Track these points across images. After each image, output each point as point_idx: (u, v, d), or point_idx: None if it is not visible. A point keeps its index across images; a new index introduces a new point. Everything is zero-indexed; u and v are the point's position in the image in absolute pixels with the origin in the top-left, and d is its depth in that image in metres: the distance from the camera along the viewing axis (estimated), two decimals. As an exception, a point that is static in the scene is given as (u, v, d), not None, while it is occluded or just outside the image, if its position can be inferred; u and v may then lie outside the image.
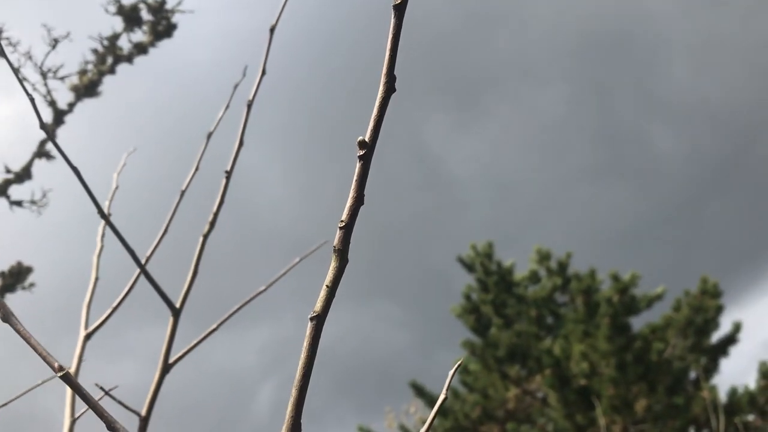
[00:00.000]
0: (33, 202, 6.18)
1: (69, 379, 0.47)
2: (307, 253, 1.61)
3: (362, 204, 0.51)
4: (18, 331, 0.48)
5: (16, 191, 6.07)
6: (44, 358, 0.48)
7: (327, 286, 0.50)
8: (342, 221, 0.50)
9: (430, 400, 13.19)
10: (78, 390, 0.47)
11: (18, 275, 7.08)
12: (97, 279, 1.70)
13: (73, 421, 1.42)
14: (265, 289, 1.42)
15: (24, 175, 5.94)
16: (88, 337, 1.53)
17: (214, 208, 1.32)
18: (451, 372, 0.69)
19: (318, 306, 0.50)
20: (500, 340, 12.96)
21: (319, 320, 0.50)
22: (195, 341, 1.31)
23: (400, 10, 0.50)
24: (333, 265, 0.50)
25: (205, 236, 1.33)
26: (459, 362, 0.69)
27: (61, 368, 0.47)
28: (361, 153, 0.51)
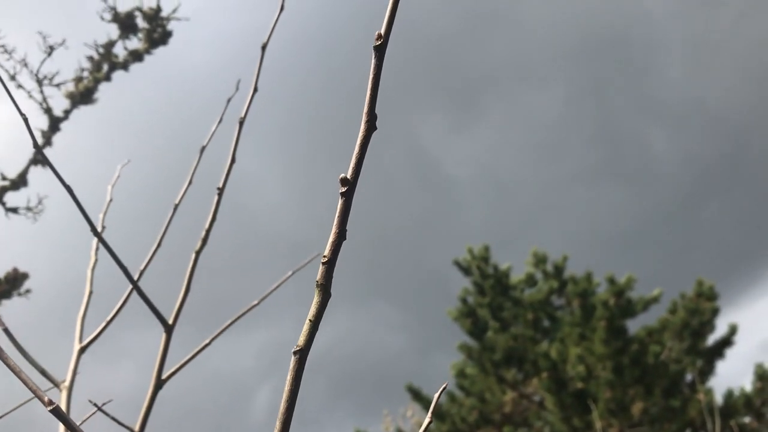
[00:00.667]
0: (29, 209, 6.19)
1: (59, 413, 0.48)
2: (300, 266, 1.62)
3: (344, 239, 0.52)
4: (9, 366, 0.50)
5: (11, 198, 6.08)
6: (35, 392, 0.50)
7: (310, 320, 0.51)
8: (324, 256, 0.52)
9: (427, 404, 13.21)
10: (67, 423, 0.48)
11: (14, 281, 7.08)
12: (91, 293, 1.71)
13: (68, 436, 1.43)
14: (258, 303, 1.43)
15: (20, 182, 5.95)
16: (82, 350, 1.54)
17: (207, 225, 1.33)
18: (436, 395, 0.70)
19: (301, 340, 0.51)
20: (497, 343, 12.98)
21: (302, 354, 0.51)
22: (187, 357, 1.32)
23: (380, 51, 0.51)
24: (316, 299, 0.52)
25: (198, 253, 1.34)
26: (444, 386, 0.70)
27: (51, 402, 0.48)
28: (343, 190, 0.53)
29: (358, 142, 0.52)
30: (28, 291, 7.17)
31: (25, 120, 1.19)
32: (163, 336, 1.30)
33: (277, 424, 0.50)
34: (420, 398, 13.28)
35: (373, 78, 0.52)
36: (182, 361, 1.31)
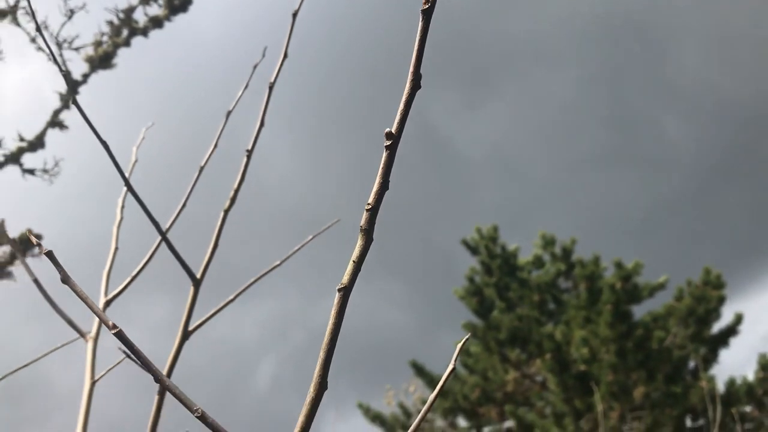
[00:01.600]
0: (45, 171, 6.26)
1: (122, 336, 0.53)
2: (321, 230, 1.66)
3: (387, 189, 0.57)
4: (76, 292, 0.54)
5: (29, 159, 6.14)
6: (100, 317, 0.54)
7: (354, 261, 0.56)
8: (369, 204, 0.56)
9: (430, 380, 13.33)
10: (130, 346, 0.53)
11: (27, 243, 7.17)
12: (116, 249, 1.76)
13: (93, 384, 1.49)
14: (279, 264, 1.48)
15: (37, 143, 6.01)
16: (107, 304, 1.60)
17: (235, 185, 1.38)
18: (459, 345, 0.74)
19: (345, 279, 0.56)
20: (502, 323, 13.06)
21: (345, 291, 0.56)
22: (213, 311, 1.37)
23: (427, 15, 0.55)
24: (359, 243, 0.56)
25: (226, 211, 1.39)
26: (466, 338, 0.74)
27: (114, 326, 0.53)
28: (388, 143, 0.57)
29: (403, 99, 0.57)
30: (41, 253, 7.23)
31: (65, 75, 1.23)
32: (191, 289, 1.35)
33: (321, 354, 0.55)
34: (423, 374, 13.41)
35: (420, 40, 0.56)
36: (208, 314, 1.37)
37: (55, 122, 5.91)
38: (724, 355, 13.59)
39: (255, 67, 1.81)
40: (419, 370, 13.43)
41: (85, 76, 5.69)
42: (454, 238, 14.90)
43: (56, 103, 5.85)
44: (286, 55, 1.46)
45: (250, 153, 1.35)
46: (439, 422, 13.33)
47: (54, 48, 5.62)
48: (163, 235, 1.27)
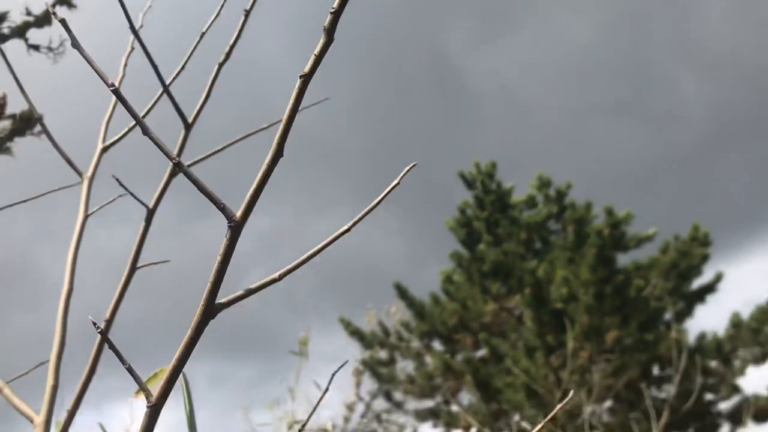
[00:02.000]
0: (50, 49, 6.26)
1: (118, 94, 0.63)
2: (312, 103, 1.76)
3: (351, -2, 0.67)
4: (84, 56, 0.63)
5: (34, 35, 6.13)
6: (102, 77, 0.64)
7: (315, 54, 0.66)
8: (333, 8, 0.66)
9: (411, 303, 13.65)
10: (125, 103, 0.63)
11: (28, 121, 7.22)
12: (116, 104, 1.86)
13: (86, 217, 1.61)
14: (268, 127, 1.58)
15: (44, 19, 6.00)
16: (104, 149, 1.71)
17: (231, 41, 1.46)
18: (405, 170, 0.85)
19: (306, 68, 0.66)
20: (487, 255, 13.30)
21: (306, 79, 0.66)
22: (205, 154, 1.48)
23: None
24: (322, 41, 0.66)
25: (221, 65, 1.48)
26: (413, 164, 0.84)
27: (113, 84, 0.63)
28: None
29: None
30: (41, 132, 7.31)
31: None
32: (182, 132, 1.46)
33: (280, 129, 0.65)
34: (405, 297, 13.73)
35: None
36: (203, 155, 1.48)
37: (63, 0, 5.89)
38: (700, 311, 13.93)
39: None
40: (402, 293, 13.74)
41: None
42: (452, 169, 14.96)
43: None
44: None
45: (248, 12, 1.44)
46: (415, 343, 13.74)
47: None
48: (166, 87, 1.36)
